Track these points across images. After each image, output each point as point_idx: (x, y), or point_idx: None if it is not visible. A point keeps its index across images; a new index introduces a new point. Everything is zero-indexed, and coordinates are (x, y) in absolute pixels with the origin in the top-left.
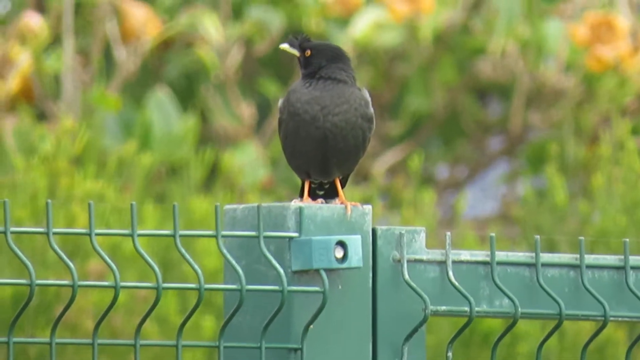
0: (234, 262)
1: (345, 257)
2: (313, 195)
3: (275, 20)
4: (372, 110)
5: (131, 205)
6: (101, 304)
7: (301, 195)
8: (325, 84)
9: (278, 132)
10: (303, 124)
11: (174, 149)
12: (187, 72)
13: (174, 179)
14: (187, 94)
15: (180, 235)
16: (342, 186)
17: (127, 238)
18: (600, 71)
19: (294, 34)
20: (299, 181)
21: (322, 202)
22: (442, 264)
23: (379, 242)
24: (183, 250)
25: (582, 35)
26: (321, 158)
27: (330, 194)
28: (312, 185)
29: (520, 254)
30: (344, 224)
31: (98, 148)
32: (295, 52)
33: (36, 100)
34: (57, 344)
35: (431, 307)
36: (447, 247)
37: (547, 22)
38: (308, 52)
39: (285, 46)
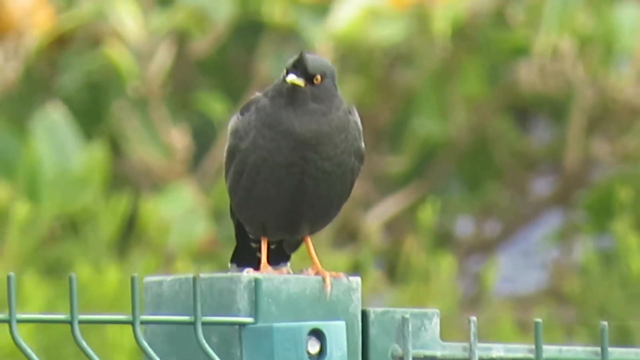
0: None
1: (322, 352)
2: (251, 256)
3: (221, 7)
4: (363, 142)
5: (8, 277)
6: None
7: (234, 261)
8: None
9: (226, 164)
10: (275, 165)
11: (73, 194)
12: (91, 83)
13: (74, 238)
14: (91, 114)
15: (80, 322)
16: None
17: (3, 325)
18: None
19: (296, 58)
20: (237, 238)
21: (287, 272)
22: None
23: (372, 331)
24: (84, 344)
25: None
26: (290, 208)
27: (279, 255)
28: (253, 244)
29: (580, 348)
30: (320, 304)
31: None
32: (301, 83)
33: None
34: None
35: None
36: (472, 337)
37: (618, 9)
38: (318, 78)
39: (292, 78)
